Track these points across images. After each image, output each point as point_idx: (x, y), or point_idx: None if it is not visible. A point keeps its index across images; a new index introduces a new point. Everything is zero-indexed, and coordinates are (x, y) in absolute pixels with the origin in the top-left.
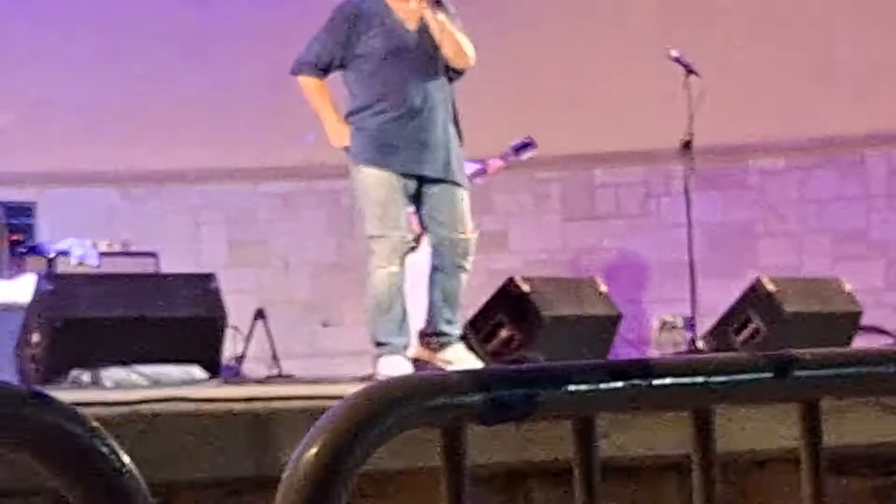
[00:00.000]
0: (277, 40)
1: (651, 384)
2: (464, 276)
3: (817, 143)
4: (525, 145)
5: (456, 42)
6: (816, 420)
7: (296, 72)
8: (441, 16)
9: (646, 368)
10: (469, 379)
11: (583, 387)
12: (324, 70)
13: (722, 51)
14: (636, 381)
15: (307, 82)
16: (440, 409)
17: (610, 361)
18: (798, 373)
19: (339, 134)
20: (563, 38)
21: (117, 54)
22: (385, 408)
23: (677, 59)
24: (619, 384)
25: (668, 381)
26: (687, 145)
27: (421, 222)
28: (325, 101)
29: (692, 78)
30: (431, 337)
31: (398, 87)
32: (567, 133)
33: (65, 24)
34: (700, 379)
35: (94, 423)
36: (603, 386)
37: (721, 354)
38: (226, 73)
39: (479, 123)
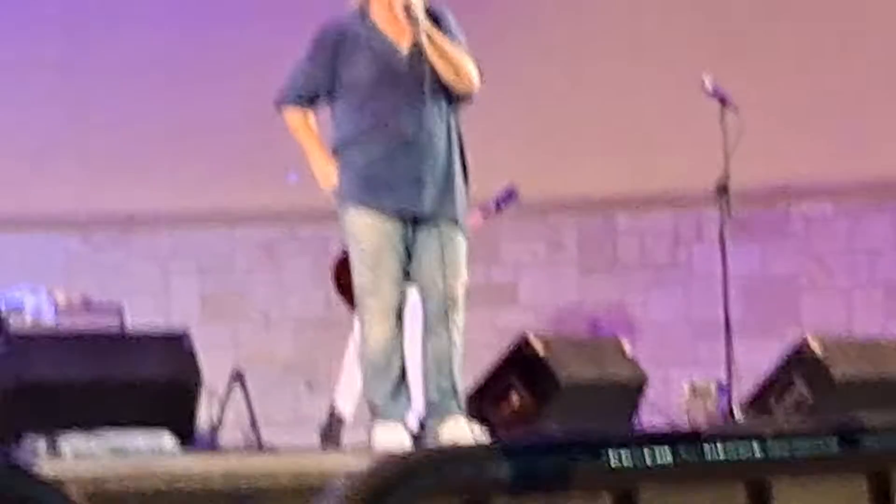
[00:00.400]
0: (255, 70)
1: (701, 455)
2: (457, 335)
3: (868, 185)
4: (508, 195)
5: (453, 61)
6: (887, 493)
7: (279, 104)
8: (436, 35)
9: (694, 437)
10: (496, 447)
11: (623, 457)
12: (310, 101)
13: (762, 83)
14: (684, 452)
15: (292, 115)
16: (465, 479)
17: (653, 429)
18: (867, 442)
19: (328, 174)
20: (580, 67)
21: (77, 87)
22: (401, 481)
23: (712, 90)
24: (665, 455)
25: (720, 451)
26: (722, 188)
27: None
28: (311, 136)
29: (729, 112)
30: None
31: (389, 117)
32: (585, 172)
33: (20, 54)
34: (756, 449)
35: (76, 500)
36: (646, 457)
37: (778, 421)
38: (198, 107)
39: (487, 162)
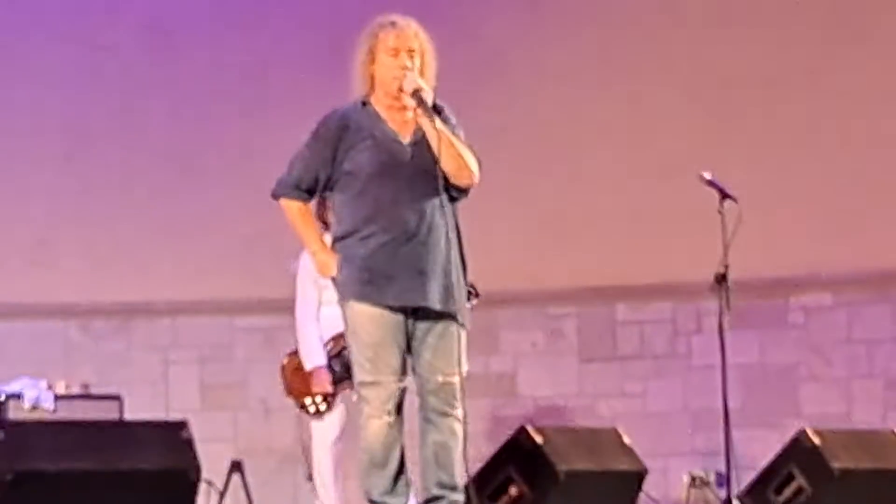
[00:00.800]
0: (253, 163)
1: None
2: (457, 426)
3: (868, 276)
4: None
5: (458, 154)
6: None
7: (277, 195)
8: (440, 124)
9: None
10: None
11: None
12: (308, 192)
13: (760, 174)
14: None
15: (290, 206)
16: None
17: None
18: None
19: (327, 264)
20: (579, 158)
21: (78, 178)
22: None
23: (710, 183)
24: None
25: None
26: (721, 278)
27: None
28: (309, 226)
29: (727, 203)
30: None
31: (390, 208)
32: (584, 263)
33: (23, 146)
34: None
35: None
36: None
37: None
38: (197, 198)
39: (483, 253)
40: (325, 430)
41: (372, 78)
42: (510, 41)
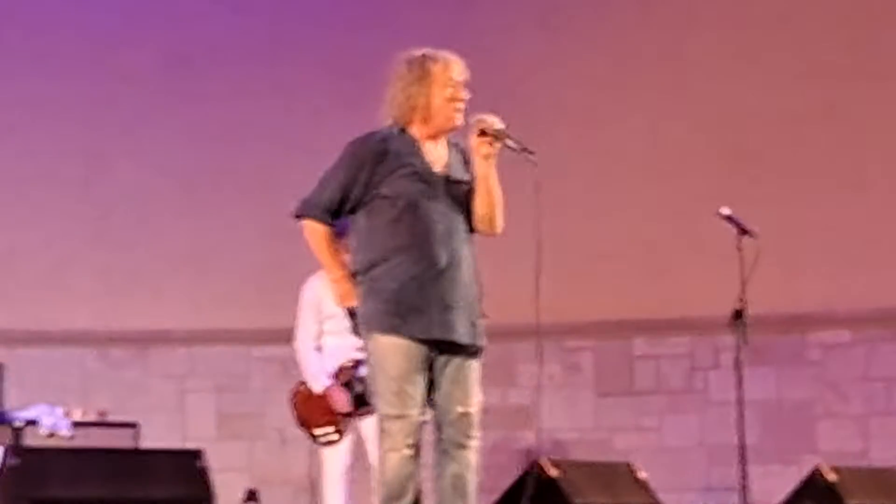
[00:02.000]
0: (270, 192)
1: None
2: (473, 457)
3: (885, 313)
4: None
5: (495, 204)
6: None
7: (302, 214)
8: (494, 173)
9: None
10: None
11: None
12: (335, 214)
13: (778, 210)
14: None
15: (314, 228)
16: None
17: None
18: None
19: (347, 292)
20: (598, 192)
21: (97, 206)
22: None
23: (729, 218)
24: None
25: None
26: (739, 314)
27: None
28: (332, 252)
29: (746, 238)
30: None
31: (423, 239)
32: (602, 297)
33: (43, 173)
34: None
35: None
36: None
37: None
38: (215, 227)
39: (501, 285)
40: (336, 460)
41: (413, 108)
42: (530, 75)
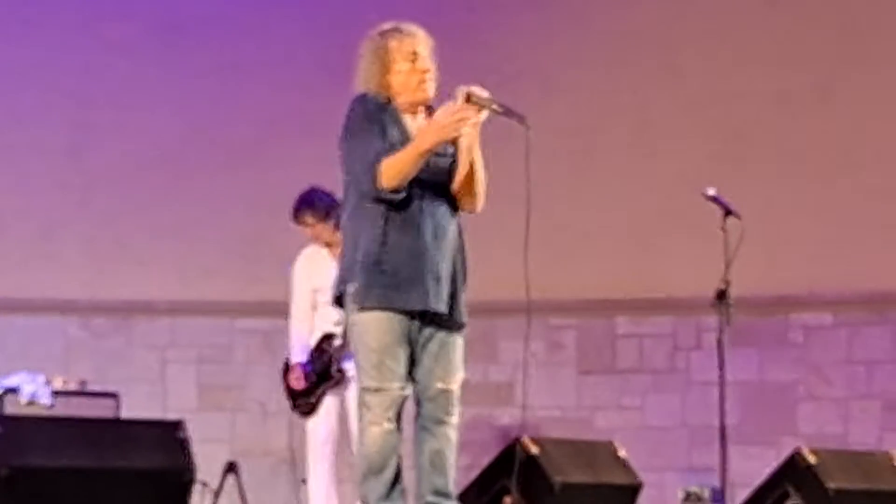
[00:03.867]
0: (256, 165)
1: None
2: (452, 434)
3: (868, 297)
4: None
5: (478, 181)
6: None
7: (373, 187)
8: (478, 150)
9: None
10: None
11: None
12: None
13: (763, 193)
14: None
15: (387, 163)
16: None
17: None
18: None
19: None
20: (583, 170)
21: (83, 175)
22: None
23: (714, 199)
24: None
25: None
26: (722, 295)
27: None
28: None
29: (730, 220)
30: None
31: (406, 210)
32: (586, 275)
33: (29, 139)
34: None
35: None
36: None
37: None
38: (201, 199)
39: (484, 262)
40: (318, 431)
41: (388, 87)
42: (518, 52)
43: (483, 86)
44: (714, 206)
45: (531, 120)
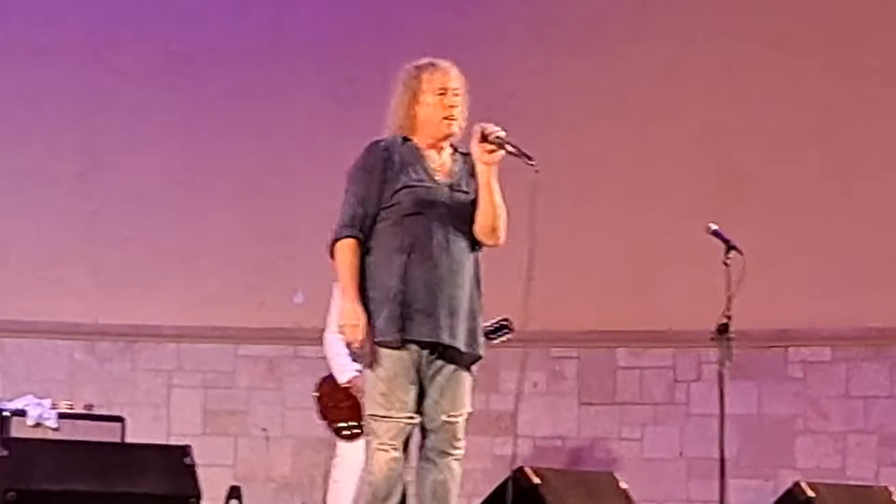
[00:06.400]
0: (266, 189)
1: None
2: (456, 466)
3: (867, 333)
4: (500, 328)
5: (498, 215)
6: None
7: (337, 237)
8: (496, 183)
9: None
10: None
11: None
12: (361, 229)
13: (764, 228)
14: None
15: (348, 248)
16: None
17: None
18: None
19: (358, 327)
20: (586, 205)
21: (91, 200)
22: None
23: (716, 234)
24: None
25: None
26: (723, 328)
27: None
28: (354, 272)
29: (733, 255)
30: None
31: (423, 243)
32: (588, 307)
33: (38, 166)
34: None
35: None
36: None
37: None
38: (207, 227)
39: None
40: (353, 454)
41: (414, 118)
42: (523, 87)
43: (485, 118)
44: (714, 241)
45: (536, 153)
